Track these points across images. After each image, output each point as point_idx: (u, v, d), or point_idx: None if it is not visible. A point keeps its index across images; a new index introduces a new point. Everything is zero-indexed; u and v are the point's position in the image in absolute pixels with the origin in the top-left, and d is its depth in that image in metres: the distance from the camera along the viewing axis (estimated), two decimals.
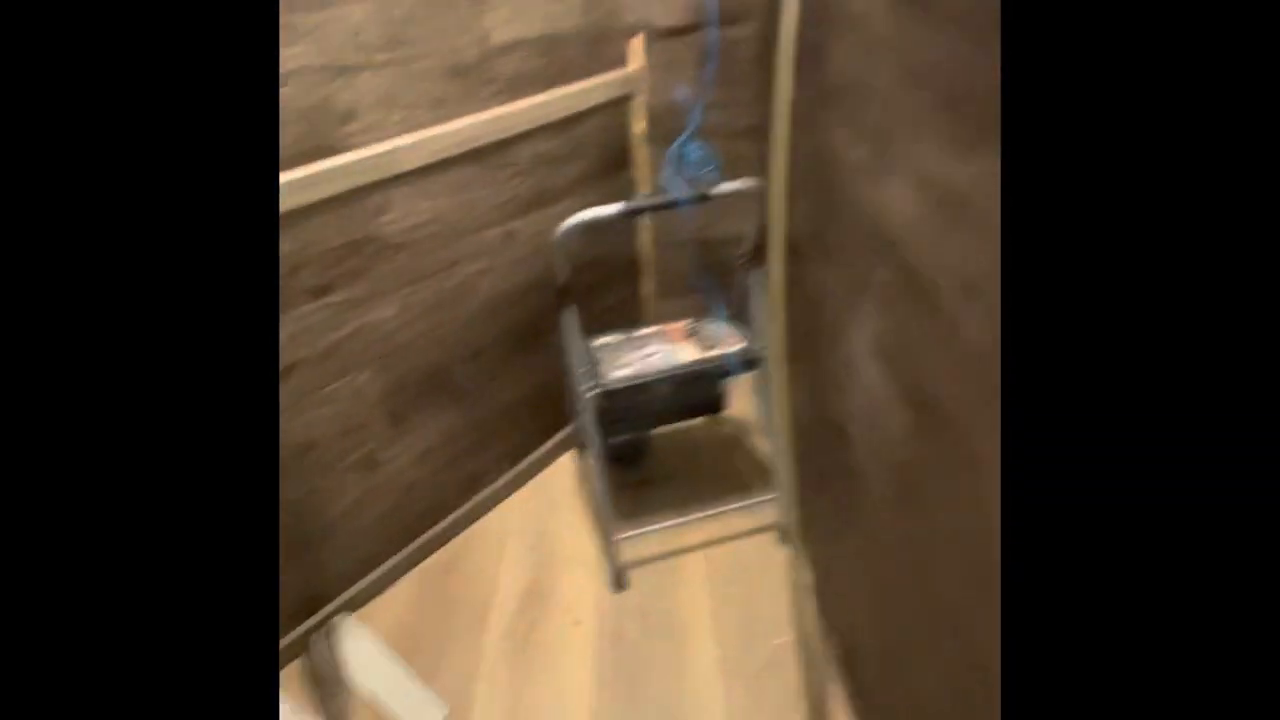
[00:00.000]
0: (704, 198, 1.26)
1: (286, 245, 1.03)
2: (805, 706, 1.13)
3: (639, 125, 1.56)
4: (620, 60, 1.49)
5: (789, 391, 1.28)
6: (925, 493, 0.75)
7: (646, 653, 1.25)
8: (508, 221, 1.37)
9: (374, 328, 1.20)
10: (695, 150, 1.44)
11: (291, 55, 0.96)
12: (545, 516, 1.55)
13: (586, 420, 1.32)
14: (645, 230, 1.70)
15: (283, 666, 1.24)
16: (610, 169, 1.56)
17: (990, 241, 0.57)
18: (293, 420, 1.13)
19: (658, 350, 1.37)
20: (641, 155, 1.59)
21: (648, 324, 1.48)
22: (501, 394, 1.50)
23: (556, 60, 1.35)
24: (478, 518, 1.55)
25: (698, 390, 1.48)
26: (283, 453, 1.13)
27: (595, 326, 1.42)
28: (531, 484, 1.64)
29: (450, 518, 1.48)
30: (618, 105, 1.52)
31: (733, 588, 1.36)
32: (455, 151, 1.21)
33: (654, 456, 1.65)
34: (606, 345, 1.40)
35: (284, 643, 1.23)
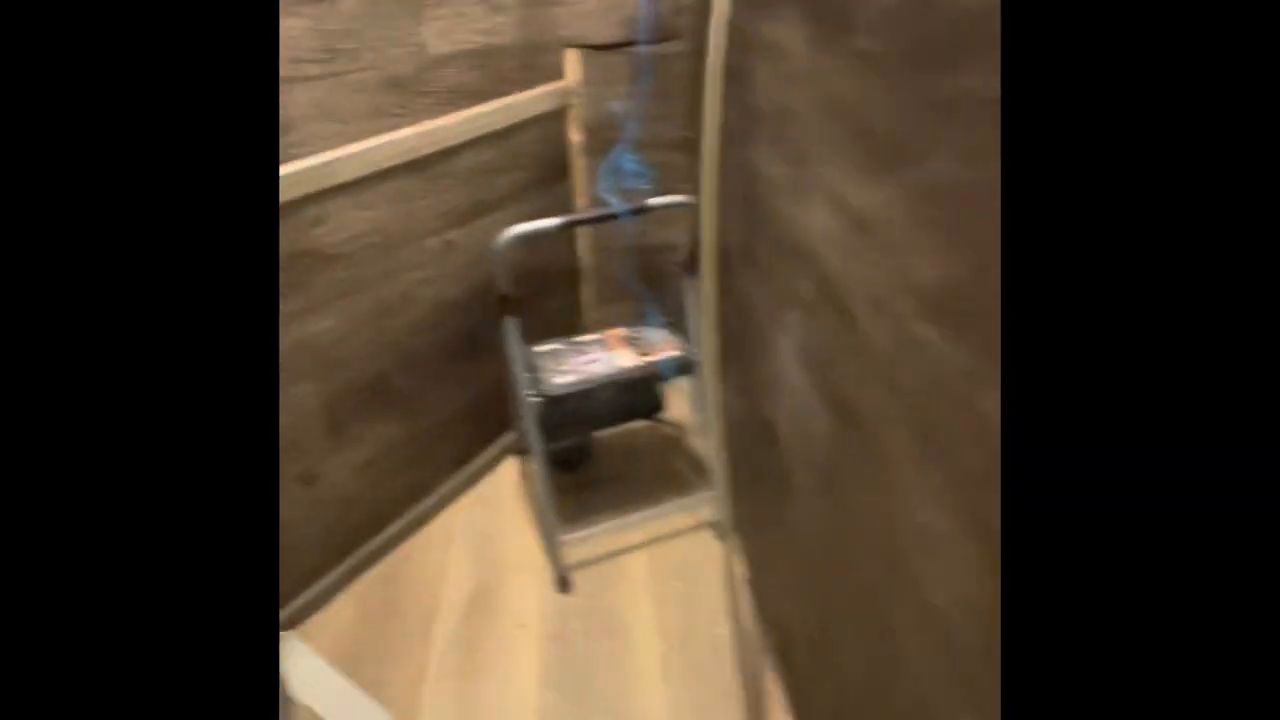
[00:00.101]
0: (640, 210, 1.30)
1: None
2: (743, 695, 1.19)
3: (576, 136, 1.60)
4: (556, 73, 1.53)
5: (723, 394, 1.34)
6: (843, 487, 0.81)
7: (591, 652, 1.29)
8: (447, 231, 1.38)
9: (313, 339, 1.20)
10: (630, 162, 1.49)
11: None
12: (488, 523, 1.57)
13: (529, 426, 1.34)
14: (584, 238, 1.74)
15: None
16: (548, 179, 1.59)
17: (895, 260, 0.63)
18: None
19: (598, 356, 1.41)
20: (579, 165, 1.63)
21: (587, 330, 1.52)
22: (442, 403, 1.51)
23: (494, 73, 1.38)
24: (420, 527, 1.55)
25: (637, 394, 1.53)
26: None
27: (536, 334, 1.44)
28: (473, 491, 1.65)
29: (392, 528, 1.48)
30: (555, 117, 1.55)
31: (673, 584, 1.41)
32: (393, 163, 1.22)
33: (596, 459, 1.69)
34: (548, 352, 1.43)
35: None
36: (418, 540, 1.52)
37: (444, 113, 1.29)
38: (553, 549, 1.42)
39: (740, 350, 1.23)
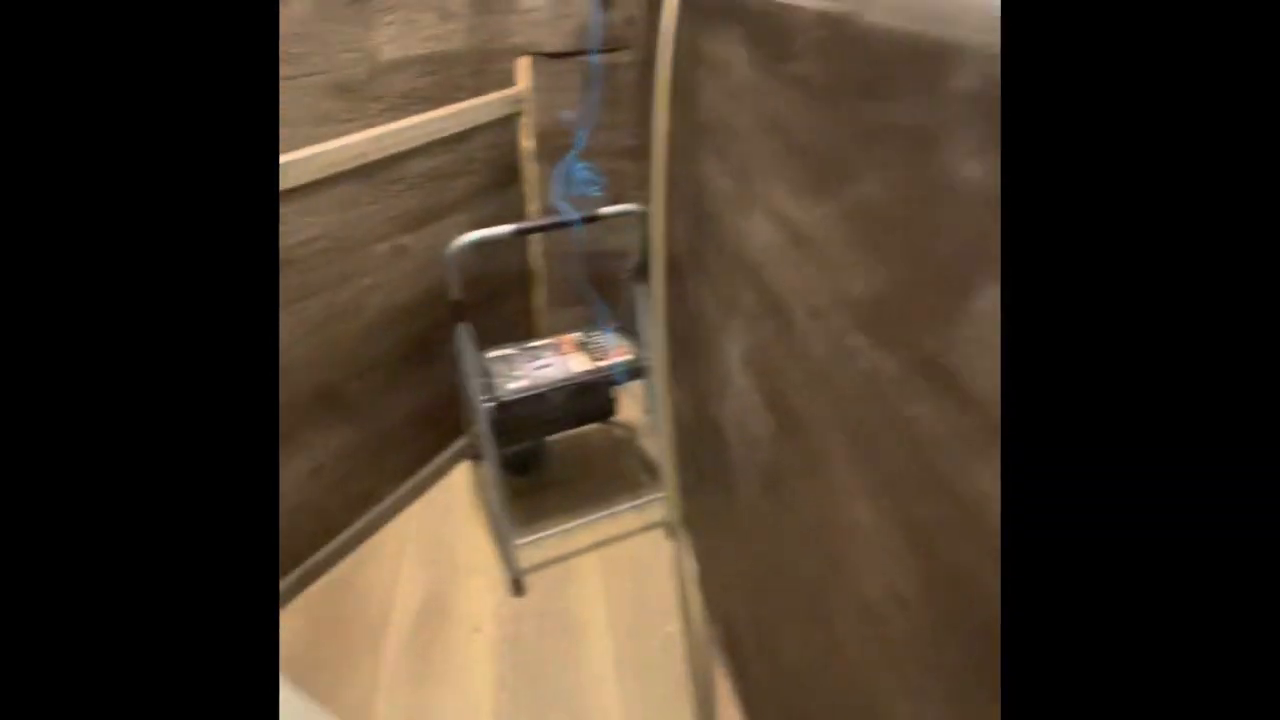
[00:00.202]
0: (592, 219, 1.33)
1: None
2: (693, 690, 1.23)
3: (527, 142, 1.61)
4: (507, 80, 1.54)
5: (674, 397, 1.37)
6: (785, 486, 0.85)
7: (545, 653, 1.30)
8: (398, 236, 1.38)
9: None
10: (581, 170, 1.51)
11: None
12: (441, 528, 1.57)
13: (482, 431, 1.35)
14: (536, 244, 1.75)
15: None
16: (500, 184, 1.60)
17: (829, 274, 0.67)
18: None
19: (550, 362, 1.42)
20: (531, 171, 1.65)
21: (540, 336, 1.53)
22: (393, 409, 1.50)
23: (445, 79, 1.38)
24: (371, 534, 1.54)
25: (589, 399, 1.55)
26: None
27: (489, 339, 1.45)
28: (425, 497, 1.65)
29: (342, 536, 1.47)
30: (506, 123, 1.56)
31: (626, 584, 1.43)
32: (342, 168, 1.21)
33: (549, 462, 1.70)
34: (500, 358, 1.44)
35: None
36: (369, 547, 1.51)
37: (395, 118, 1.29)
38: (506, 553, 1.43)
39: (690, 355, 1.27)
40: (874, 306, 0.60)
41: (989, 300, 0.44)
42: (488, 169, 1.55)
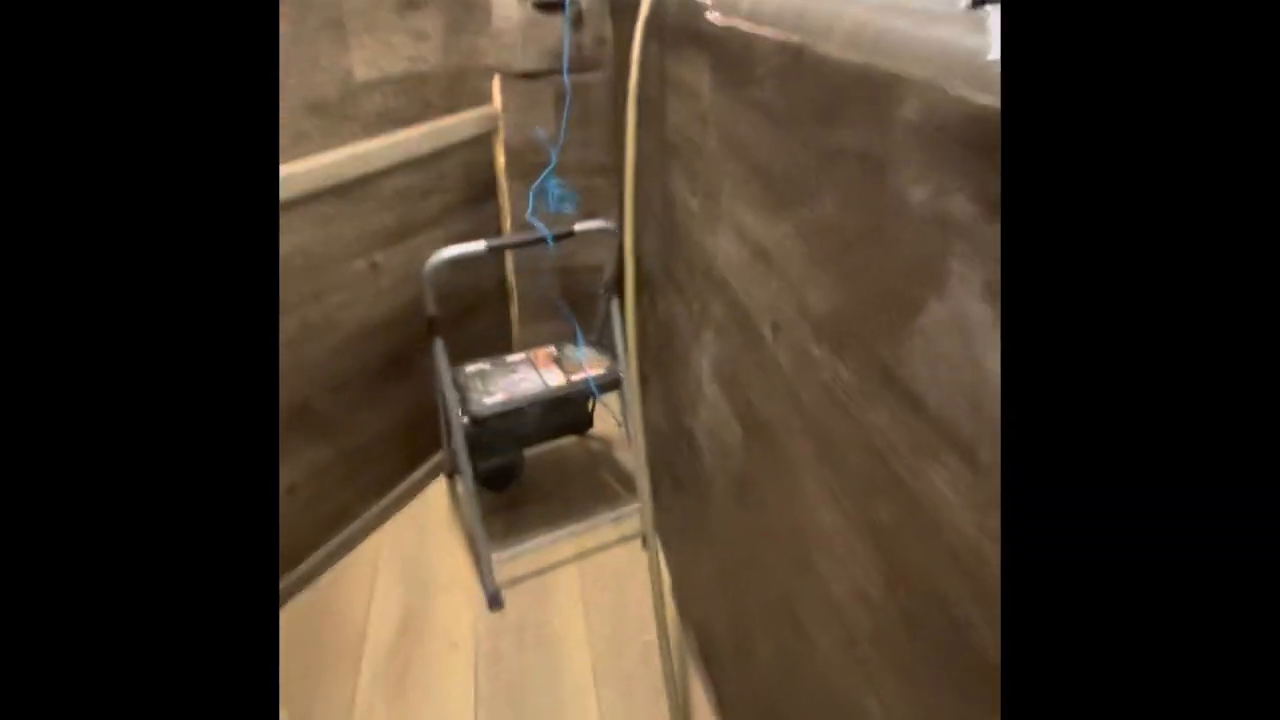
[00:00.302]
0: (566, 235, 1.35)
1: None
2: (670, 699, 1.24)
3: (500, 160, 1.64)
4: (481, 99, 1.56)
5: (647, 409, 1.40)
6: (755, 495, 0.88)
7: (524, 666, 1.31)
8: (372, 253, 1.39)
9: None
10: (555, 187, 1.54)
11: None
12: (417, 544, 1.57)
13: (458, 446, 1.36)
14: (511, 259, 1.77)
15: None
16: (474, 200, 1.62)
17: (791, 288, 0.71)
18: None
19: (526, 376, 1.44)
20: (504, 188, 1.67)
21: (515, 350, 1.55)
22: (368, 425, 1.50)
23: (419, 98, 1.40)
24: (347, 551, 1.53)
25: (565, 412, 1.57)
26: None
27: (464, 354, 1.46)
28: (401, 514, 1.64)
29: (318, 554, 1.46)
30: (480, 141, 1.58)
31: (603, 595, 1.45)
32: (316, 186, 1.22)
33: (525, 476, 1.71)
34: (476, 373, 1.45)
35: None
36: (345, 565, 1.51)
37: (369, 137, 1.31)
38: (484, 567, 1.44)
39: (664, 367, 1.30)
40: (833, 320, 0.63)
41: (936, 315, 0.47)
42: (462, 186, 1.57)
